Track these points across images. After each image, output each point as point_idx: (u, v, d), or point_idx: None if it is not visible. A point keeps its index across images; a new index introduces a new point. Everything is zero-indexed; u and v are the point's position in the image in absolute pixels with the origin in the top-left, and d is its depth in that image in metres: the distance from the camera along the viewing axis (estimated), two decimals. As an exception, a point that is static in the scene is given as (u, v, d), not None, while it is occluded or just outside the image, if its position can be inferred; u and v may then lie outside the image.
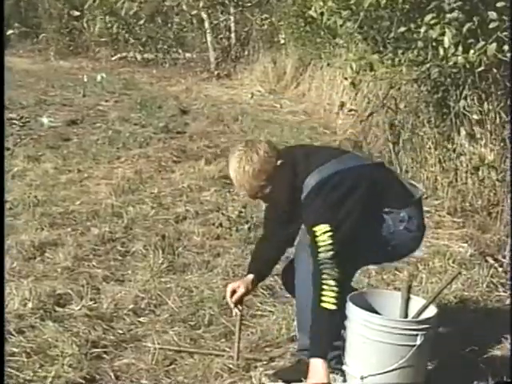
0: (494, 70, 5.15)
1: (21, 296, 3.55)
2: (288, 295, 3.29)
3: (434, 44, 4.99)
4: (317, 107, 9.24)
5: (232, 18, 13.28)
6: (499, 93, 5.20)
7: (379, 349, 2.58)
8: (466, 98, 5.35)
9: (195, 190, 5.75)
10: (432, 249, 4.44)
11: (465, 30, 4.71)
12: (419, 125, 6.14)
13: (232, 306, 3.11)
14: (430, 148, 5.88)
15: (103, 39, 15.34)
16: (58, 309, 3.54)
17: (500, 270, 4.14)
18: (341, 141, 7.40)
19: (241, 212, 5.07)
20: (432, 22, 4.81)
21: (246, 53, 12.84)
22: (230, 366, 3.05)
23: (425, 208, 5.30)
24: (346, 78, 7.42)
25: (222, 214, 5.06)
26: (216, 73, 12.76)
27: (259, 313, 3.61)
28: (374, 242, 2.81)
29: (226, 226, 4.84)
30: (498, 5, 4.53)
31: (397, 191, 2.92)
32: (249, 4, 12.99)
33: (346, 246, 2.68)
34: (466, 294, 3.83)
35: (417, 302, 2.72)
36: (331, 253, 2.67)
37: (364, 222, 2.75)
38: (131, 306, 3.61)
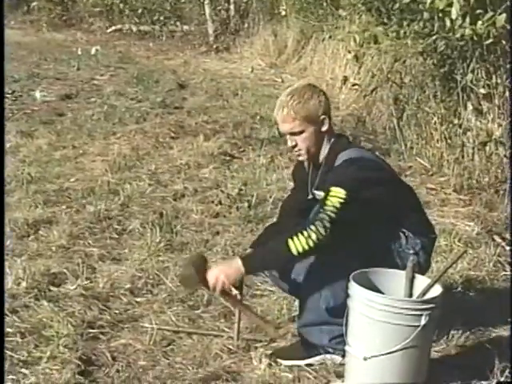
0: (503, 42, 5.11)
1: (14, 275, 3.56)
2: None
3: (440, 15, 4.96)
4: (319, 82, 9.17)
5: (231, -12, 13.21)
6: (508, 66, 5.16)
7: (383, 329, 2.58)
8: (473, 72, 5.33)
9: (194, 167, 5.74)
10: (438, 227, 4.42)
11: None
12: (425, 99, 6.12)
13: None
14: (435, 123, 5.86)
15: (97, 9, 15.23)
16: (52, 288, 3.54)
17: (507, 248, 4.15)
18: (344, 116, 7.37)
19: (241, 189, 5.07)
20: (438, -9, 4.77)
21: (246, 25, 12.77)
22: (230, 346, 3.06)
23: (430, 185, 5.41)
24: (349, 51, 7.42)
25: (222, 191, 5.06)
26: (215, 46, 12.70)
27: (259, 292, 3.61)
28: (379, 247, 2.83)
29: (225, 204, 4.84)
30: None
31: (420, 218, 3.00)
32: (248, -26, 12.90)
33: (348, 225, 2.70)
34: (472, 273, 3.83)
35: (421, 282, 2.72)
36: (333, 215, 2.71)
37: (379, 223, 2.79)
38: (128, 286, 3.61)
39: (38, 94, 8.20)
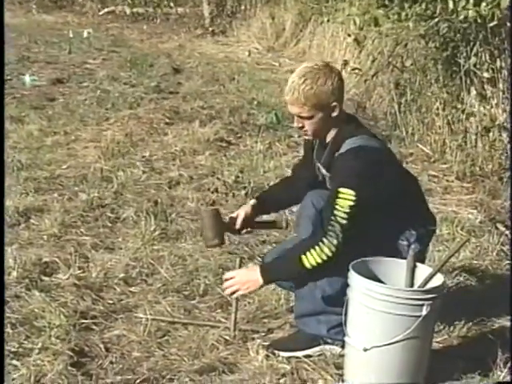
0: (508, 24, 5.09)
1: (5, 264, 3.56)
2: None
3: (443, -3, 4.94)
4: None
5: (227, -32, 13.15)
6: (512, 49, 5.16)
7: (383, 319, 2.59)
8: (476, 55, 5.32)
9: (189, 154, 5.74)
10: (440, 215, 4.43)
11: (477, -20, 4.67)
12: (427, 84, 6.12)
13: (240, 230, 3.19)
14: (437, 109, 5.86)
15: (89, -11, 15.15)
16: (44, 278, 3.55)
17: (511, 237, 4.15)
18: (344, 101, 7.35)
19: (237, 177, 5.07)
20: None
21: (243, 7, 12.73)
22: (226, 337, 3.06)
23: (432, 172, 5.42)
24: (349, 35, 7.41)
25: (218, 178, 5.06)
26: (210, 29, 12.66)
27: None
28: (375, 235, 2.82)
29: (221, 192, 4.84)
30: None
31: (420, 208, 3.01)
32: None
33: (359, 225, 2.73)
34: (475, 262, 3.84)
35: (423, 271, 2.73)
36: (344, 222, 2.72)
37: (377, 213, 2.77)
38: (122, 275, 3.62)
39: (27, 79, 8.16)
